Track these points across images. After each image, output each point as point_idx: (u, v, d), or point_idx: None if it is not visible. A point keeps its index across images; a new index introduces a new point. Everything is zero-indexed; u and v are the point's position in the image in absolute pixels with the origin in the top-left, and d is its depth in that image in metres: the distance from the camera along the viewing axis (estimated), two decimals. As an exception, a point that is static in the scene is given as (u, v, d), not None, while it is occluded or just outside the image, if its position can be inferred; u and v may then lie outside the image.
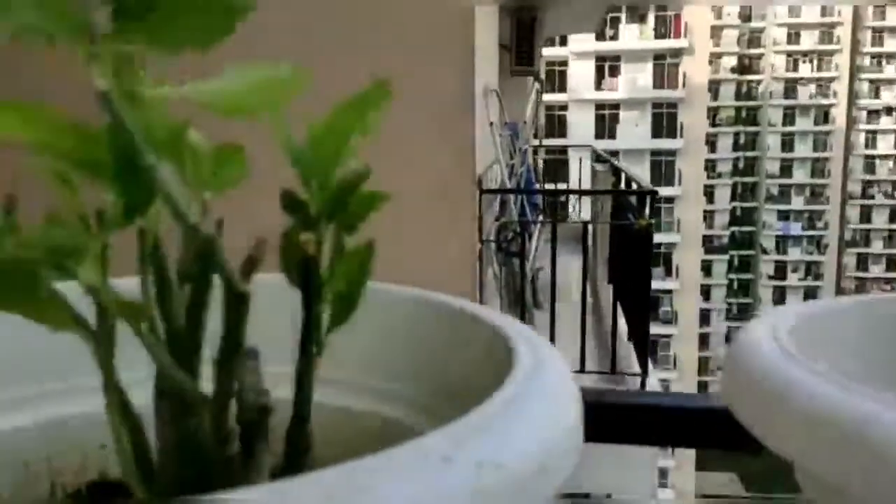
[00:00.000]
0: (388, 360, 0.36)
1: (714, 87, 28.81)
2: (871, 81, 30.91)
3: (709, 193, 27.98)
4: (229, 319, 0.22)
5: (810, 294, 29.05)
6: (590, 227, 4.37)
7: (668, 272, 23.68)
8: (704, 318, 26.67)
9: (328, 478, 0.18)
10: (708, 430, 0.42)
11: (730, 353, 0.36)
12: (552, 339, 2.78)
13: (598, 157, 6.29)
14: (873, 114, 30.92)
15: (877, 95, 30.89)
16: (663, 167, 24.47)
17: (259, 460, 0.28)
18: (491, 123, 3.50)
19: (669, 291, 23.41)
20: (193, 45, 0.21)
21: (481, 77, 3.23)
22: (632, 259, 3.38)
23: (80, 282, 0.22)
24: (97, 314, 0.28)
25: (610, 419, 0.40)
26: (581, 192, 5.32)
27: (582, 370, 2.87)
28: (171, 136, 0.22)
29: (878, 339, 0.41)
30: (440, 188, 2.12)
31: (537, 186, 5.23)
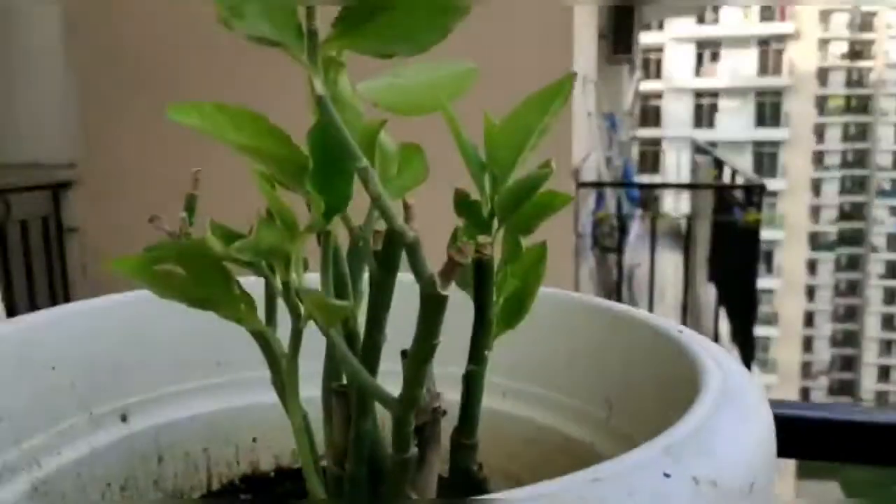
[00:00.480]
0: (546, 366, 0.35)
1: (823, 74, 27.28)
2: None
3: (815, 187, 26.57)
4: (425, 323, 0.22)
5: (925, 296, 27.13)
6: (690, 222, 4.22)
7: (769, 269, 22.66)
8: (808, 319, 25.38)
9: (556, 488, 0.18)
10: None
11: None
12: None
13: (698, 149, 6.08)
14: None
15: None
16: (766, 159, 23.41)
17: (431, 464, 0.27)
18: (589, 114, 3.43)
19: (770, 290, 22.41)
20: (410, 50, 0.21)
21: (579, 66, 3.19)
22: (735, 257, 3.24)
23: (280, 282, 0.22)
24: (266, 311, 0.28)
25: (796, 434, 0.38)
26: (686, 186, 5.14)
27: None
28: (366, 138, 0.22)
29: None
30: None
31: (636, 179, 5.10)
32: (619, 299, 3.15)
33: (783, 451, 0.46)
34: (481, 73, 0.28)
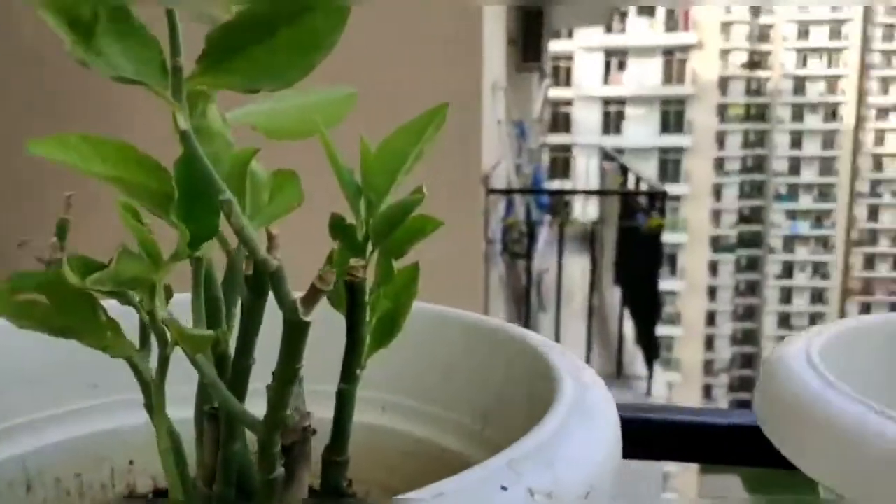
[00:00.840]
0: (423, 381, 0.36)
1: (724, 83, 28.70)
2: (881, 79, 30.74)
3: (717, 192, 27.90)
4: (288, 348, 0.23)
5: (816, 295, 28.92)
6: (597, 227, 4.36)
7: (673, 272, 23.63)
8: (710, 319, 26.59)
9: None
10: (741, 448, 0.43)
11: (763, 374, 0.36)
12: (557, 342, 2.78)
13: (606, 155, 6.29)
14: (882, 112, 30.76)
15: (886, 93, 30.73)
16: (671, 165, 24.44)
17: (301, 482, 0.28)
18: (499, 122, 3.50)
19: (674, 292, 23.35)
20: (275, 86, 0.22)
21: (489, 74, 3.23)
22: (639, 260, 3.37)
23: (145, 311, 0.23)
24: (140, 336, 0.29)
25: (643, 436, 0.41)
26: (591, 193, 5.31)
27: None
28: (237, 167, 0.23)
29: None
30: (446, 187, 2.12)
31: (547, 185, 5.22)
32: (527, 304, 3.22)
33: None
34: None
